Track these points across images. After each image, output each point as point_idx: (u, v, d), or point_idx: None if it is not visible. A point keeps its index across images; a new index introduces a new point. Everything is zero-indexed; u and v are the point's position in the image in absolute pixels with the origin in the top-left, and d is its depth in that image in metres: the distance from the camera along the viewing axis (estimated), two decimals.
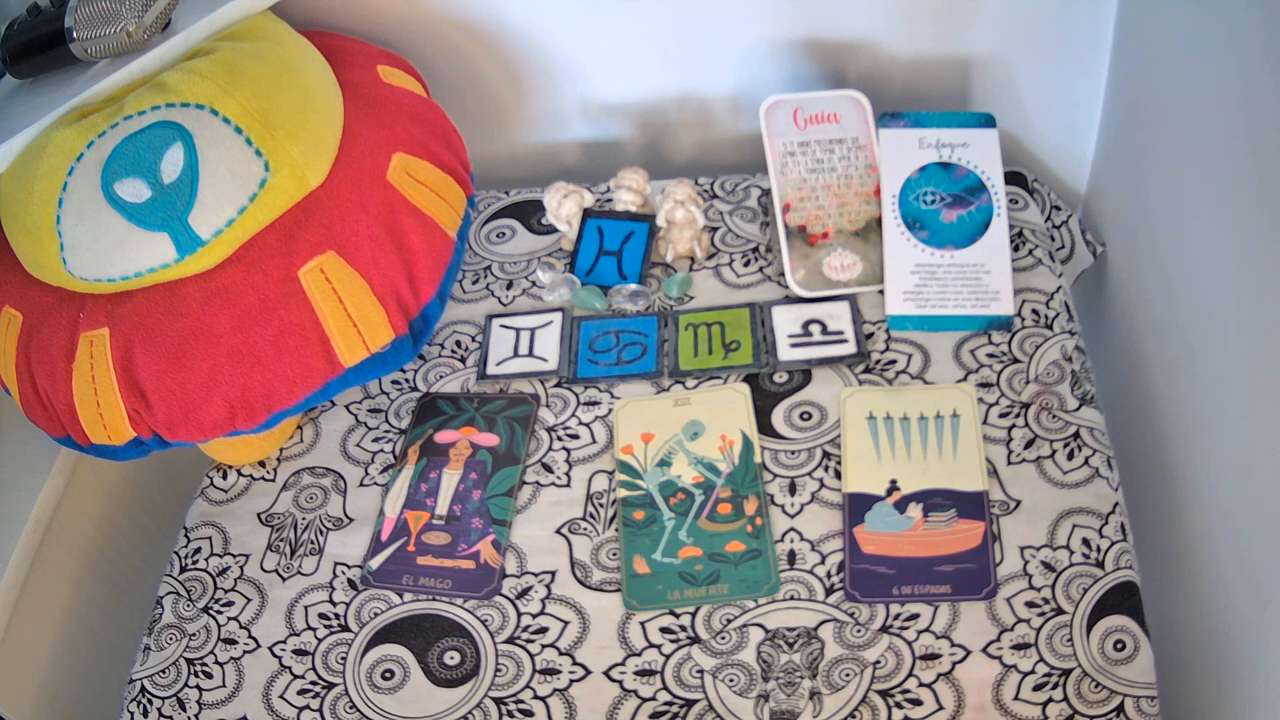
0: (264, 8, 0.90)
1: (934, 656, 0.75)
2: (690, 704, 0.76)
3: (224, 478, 0.93)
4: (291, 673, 0.81)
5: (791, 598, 0.79)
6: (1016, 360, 0.90)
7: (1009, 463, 0.84)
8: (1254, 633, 0.71)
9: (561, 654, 0.79)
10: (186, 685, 0.81)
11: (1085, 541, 0.79)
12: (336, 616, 0.83)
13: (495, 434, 0.92)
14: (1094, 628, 0.75)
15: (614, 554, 0.83)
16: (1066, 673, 0.73)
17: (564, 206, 1.04)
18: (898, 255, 0.95)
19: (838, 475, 0.85)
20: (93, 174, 0.78)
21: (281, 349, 0.80)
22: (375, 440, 0.93)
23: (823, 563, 0.80)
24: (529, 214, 1.09)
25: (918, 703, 0.74)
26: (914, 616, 0.77)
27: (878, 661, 0.75)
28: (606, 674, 0.77)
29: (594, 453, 0.90)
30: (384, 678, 0.79)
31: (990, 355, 0.91)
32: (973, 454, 0.84)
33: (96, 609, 1.00)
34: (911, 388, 0.89)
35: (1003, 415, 0.87)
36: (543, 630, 0.80)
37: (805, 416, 0.89)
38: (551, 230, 1.07)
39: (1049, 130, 1.09)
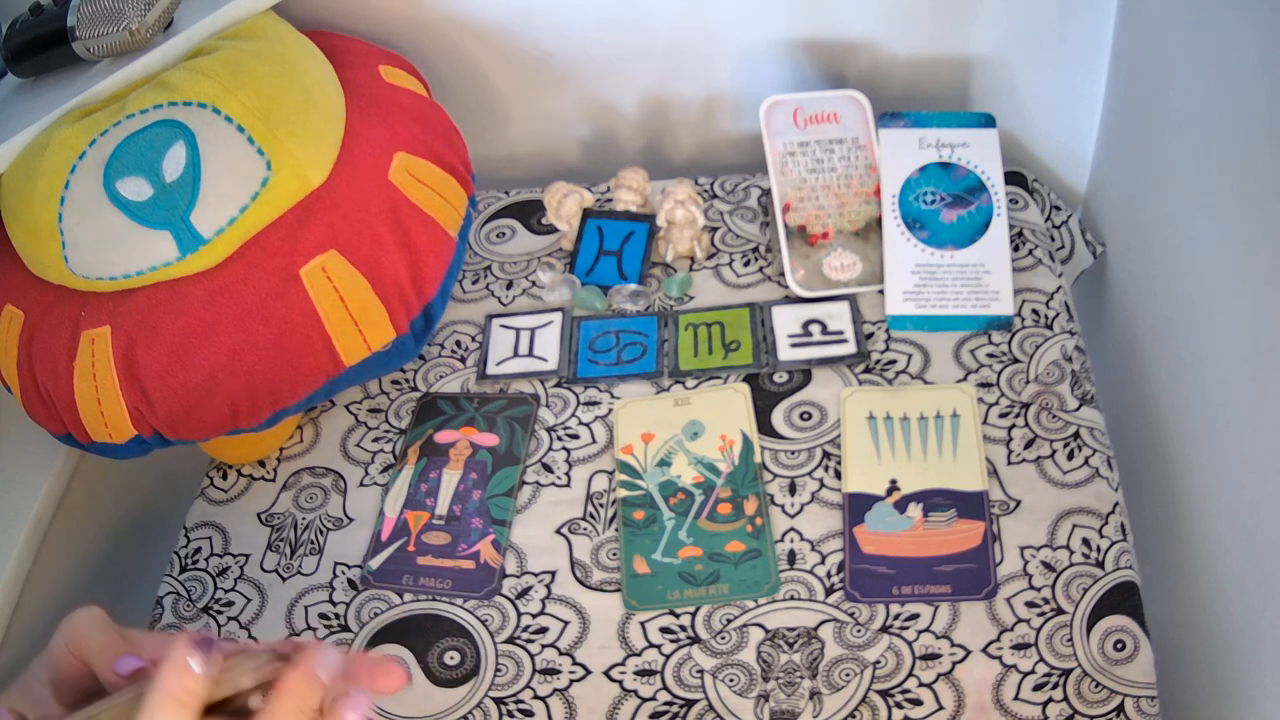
0: (266, 7, 0.90)
1: (934, 656, 0.75)
2: (690, 704, 0.76)
3: (224, 478, 0.93)
4: None
5: (791, 598, 0.79)
6: (1016, 360, 0.90)
7: (1009, 463, 0.84)
8: (1254, 633, 0.71)
9: (561, 654, 0.79)
10: None
11: (1085, 541, 0.79)
12: (336, 616, 0.83)
13: (495, 434, 0.92)
14: (1094, 628, 0.75)
15: (614, 554, 0.83)
16: (1066, 673, 0.73)
17: (564, 206, 1.04)
18: (898, 255, 0.95)
19: (838, 475, 0.85)
20: (95, 172, 0.78)
21: (283, 347, 0.81)
22: (375, 440, 0.94)
23: (823, 563, 0.80)
24: (529, 214, 1.10)
25: (918, 703, 0.74)
26: (914, 616, 0.77)
27: (878, 661, 0.75)
28: (606, 674, 0.78)
29: (594, 453, 0.90)
30: None
31: (990, 355, 0.91)
32: (973, 454, 0.84)
33: None
34: (911, 388, 0.89)
35: (1003, 415, 0.87)
36: (543, 630, 0.80)
37: (805, 416, 0.89)
38: (551, 230, 1.07)
39: (1049, 130, 1.09)
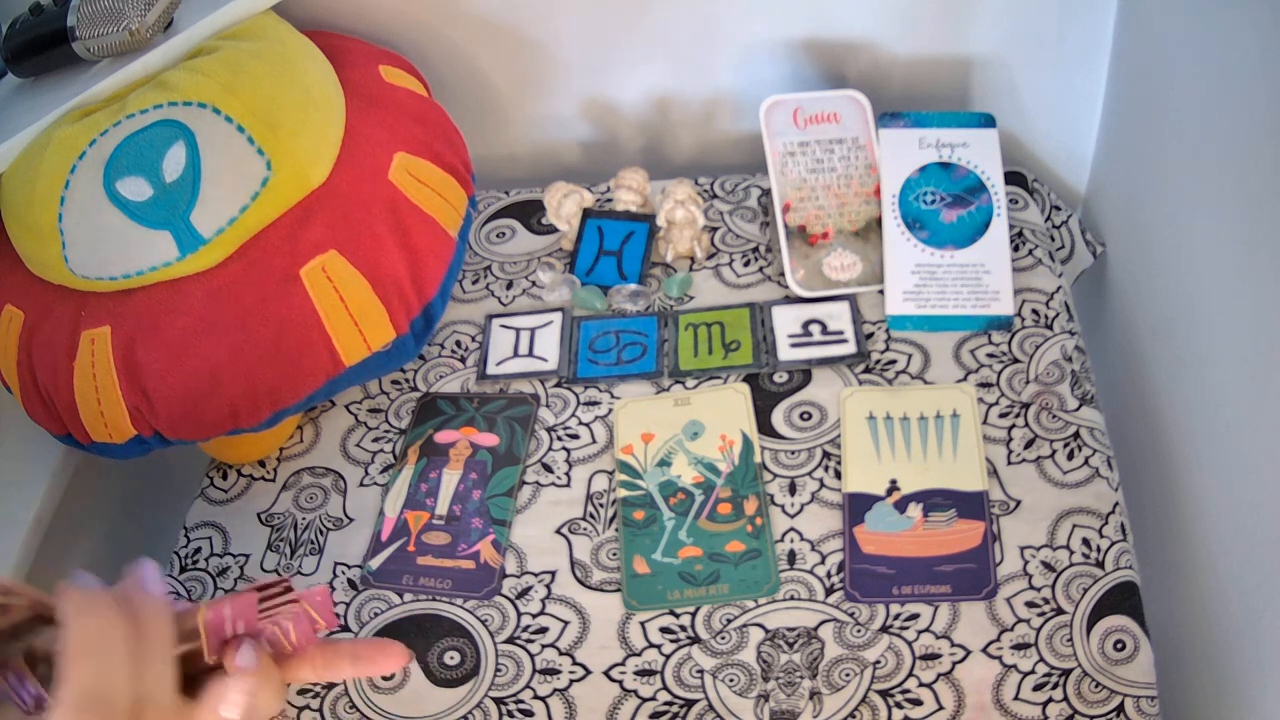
0: (266, 7, 0.90)
1: (934, 656, 0.75)
2: (690, 704, 0.76)
3: (224, 478, 0.93)
4: None
5: (791, 598, 0.79)
6: (1016, 360, 0.90)
7: (1009, 463, 0.84)
8: (1254, 633, 0.71)
9: (561, 654, 0.79)
10: None
11: (1085, 541, 0.79)
12: (336, 616, 0.83)
13: (495, 434, 0.92)
14: (1094, 628, 0.75)
15: (614, 554, 0.83)
16: (1066, 673, 0.73)
17: (564, 206, 1.04)
18: (898, 255, 0.95)
19: (838, 475, 0.85)
20: (95, 172, 0.78)
21: (283, 347, 0.81)
22: (375, 440, 0.93)
23: (823, 563, 0.80)
24: (529, 214, 1.10)
25: (918, 703, 0.74)
26: (914, 616, 0.77)
27: (878, 661, 0.75)
28: (606, 674, 0.77)
29: (594, 453, 0.90)
30: (384, 678, 0.79)
31: (990, 355, 0.91)
32: (973, 454, 0.84)
33: None
34: (911, 388, 0.89)
35: (1003, 415, 0.87)
36: (543, 630, 0.80)
37: (805, 416, 0.89)
38: (551, 230, 1.07)
39: (1049, 130, 1.09)
